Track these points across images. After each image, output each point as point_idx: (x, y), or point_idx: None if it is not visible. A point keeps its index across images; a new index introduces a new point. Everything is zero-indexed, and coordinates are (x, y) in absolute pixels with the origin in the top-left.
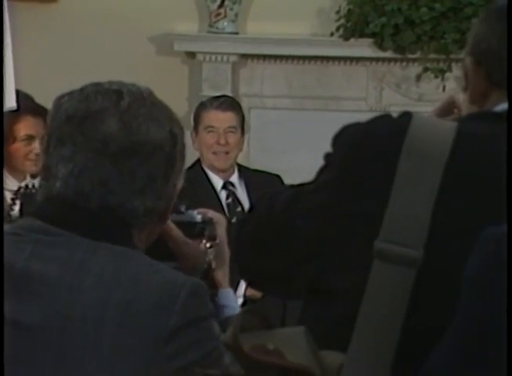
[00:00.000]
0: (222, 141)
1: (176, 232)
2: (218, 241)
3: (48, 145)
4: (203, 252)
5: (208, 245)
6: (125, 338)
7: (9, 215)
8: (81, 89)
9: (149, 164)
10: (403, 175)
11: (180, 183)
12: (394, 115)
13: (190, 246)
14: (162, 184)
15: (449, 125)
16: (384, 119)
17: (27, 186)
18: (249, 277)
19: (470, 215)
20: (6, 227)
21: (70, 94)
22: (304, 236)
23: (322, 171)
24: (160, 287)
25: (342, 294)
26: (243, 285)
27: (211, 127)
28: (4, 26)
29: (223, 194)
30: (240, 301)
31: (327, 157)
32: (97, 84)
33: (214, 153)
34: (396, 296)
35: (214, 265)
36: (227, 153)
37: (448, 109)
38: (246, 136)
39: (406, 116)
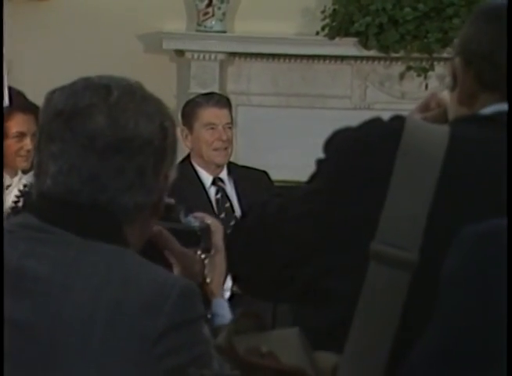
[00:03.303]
0: (224, 137)
1: (173, 242)
2: (212, 253)
3: (40, 141)
4: (199, 264)
5: (203, 257)
6: (114, 337)
7: (13, 212)
8: (72, 84)
9: (138, 159)
10: (399, 178)
11: (172, 175)
12: (385, 118)
13: (187, 257)
14: (152, 178)
15: (442, 129)
16: (375, 123)
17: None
18: (245, 285)
19: (466, 218)
20: (5, 223)
21: (62, 89)
22: (296, 241)
23: (314, 177)
24: (151, 288)
25: (338, 296)
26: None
27: (212, 124)
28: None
29: (212, 190)
30: (227, 294)
31: (319, 163)
32: (87, 79)
33: (215, 149)
34: (391, 298)
35: (208, 278)
36: (226, 148)
37: (429, 105)
38: (233, 133)
39: (399, 120)
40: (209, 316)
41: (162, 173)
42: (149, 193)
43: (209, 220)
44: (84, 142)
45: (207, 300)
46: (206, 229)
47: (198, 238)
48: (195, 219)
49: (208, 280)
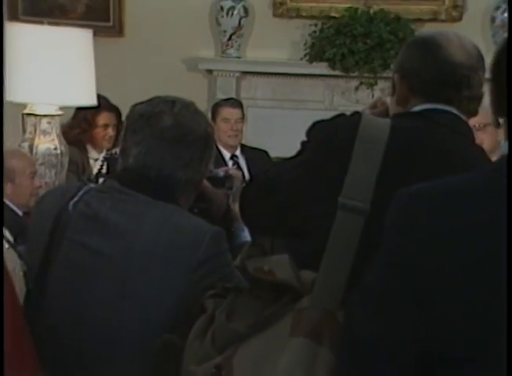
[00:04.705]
0: (235, 128)
1: (206, 184)
2: (234, 190)
3: (126, 134)
4: (224, 197)
5: (228, 193)
6: (168, 268)
7: (97, 176)
8: (149, 99)
9: (191, 149)
10: (357, 154)
11: (210, 165)
12: (347, 114)
13: (216, 193)
14: (198, 164)
15: (386, 121)
16: (341, 117)
17: (111, 154)
18: (251, 224)
19: (404, 180)
20: (97, 185)
21: (142, 102)
22: (288, 197)
23: (299, 153)
24: (192, 233)
25: (316, 233)
26: None
27: (227, 119)
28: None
29: (230, 163)
30: None
31: (303, 144)
32: (160, 97)
33: (229, 136)
34: (351, 235)
35: (232, 206)
36: (236, 135)
37: (376, 105)
38: (244, 125)
39: (357, 115)
40: (233, 229)
41: (204, 162)
42: (196, 173)
43: (231, 171)
44: (157, 134)
45: (231, 222)
46: (229, 176)
47: (223, 182)
48: (221, 170)
49: (232, 208)
